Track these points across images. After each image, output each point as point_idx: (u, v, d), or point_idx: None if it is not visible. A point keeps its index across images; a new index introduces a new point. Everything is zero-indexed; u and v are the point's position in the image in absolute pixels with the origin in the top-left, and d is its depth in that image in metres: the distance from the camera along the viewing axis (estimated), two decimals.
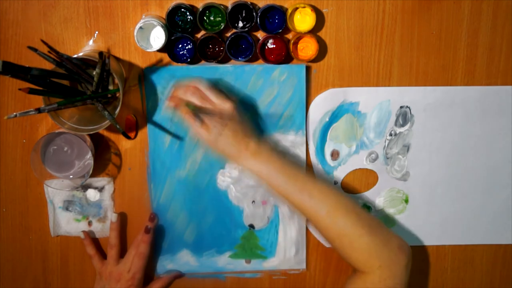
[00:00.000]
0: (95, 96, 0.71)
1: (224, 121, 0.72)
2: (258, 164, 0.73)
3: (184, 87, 0.75)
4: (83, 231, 0.83)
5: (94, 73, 0.70)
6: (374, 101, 0.81)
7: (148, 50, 0.74)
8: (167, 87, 0.79)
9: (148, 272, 0.84)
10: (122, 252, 0.83)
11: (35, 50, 0.65)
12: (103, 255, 0.84)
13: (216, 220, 0.84)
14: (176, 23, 0.75)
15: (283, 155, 0.77)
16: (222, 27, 0.75)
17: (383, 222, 0.74)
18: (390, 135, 0.83)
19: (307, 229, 0.85)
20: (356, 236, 0.71)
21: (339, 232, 0.71)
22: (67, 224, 0.84)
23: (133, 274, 0.81)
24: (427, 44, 0.80)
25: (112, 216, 0.82)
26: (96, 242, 0.84)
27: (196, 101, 0.74)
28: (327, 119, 0.82)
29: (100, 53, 0.69)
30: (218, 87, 0.77)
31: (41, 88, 0.68)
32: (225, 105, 0.73)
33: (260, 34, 0.78)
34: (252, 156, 0.73)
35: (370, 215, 0.75)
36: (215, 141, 0.73)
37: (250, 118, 0.79)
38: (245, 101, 0.80)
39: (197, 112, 0.72)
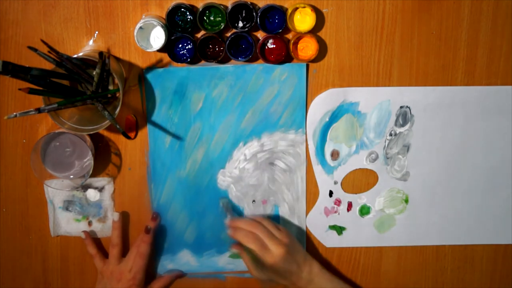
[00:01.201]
0: (95, 96, 0.71)
1: (285, 249, 0.76)
2: (313, 285, 0.79)
3: (245, 222, 0.79)
4: (84, 231, 0.83)
5: (94, 73, 0.70)
6: (374, 101, 0.81)
7: (148, 50, 0.74)
8: (167, 87, 0.79)
9: (150, 272, 0.84)
10: (125, 251, 0.83)
11: (35, 50, 0.65)
12: (104, 254, 0.84)
13: (216, 220, 0.84)
14: (176, 23, 0.75)
15: (332, 281, 0.81)
16: (222, 27, 0.75)
17: None
18: (390, 135, 0.83)
19: (307, 229, 0.85)
20: None
21: None
22: (67, 224, 0.84)
23: (134, 273, 0.81)
24: (427, 44, 0.80)
25: (114, 215, 0.82)
26: (97, 241, 0.84)
27: (255, 248, 0.76)
28: (327, 119, 0.82)
29: (100, 53, 0.69)
30: (271, 221, 0.80)
31: (41, 88, 0.68)
32: (279, 246, 0.76)
33: (260, 34, 0.78)
34: (307, 281, 0.79)
35: None
36: (280, 266, 0.76)
37: (302, 247, 0.82)
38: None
39: (262, 239, 0.76)
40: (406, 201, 0.86)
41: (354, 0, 0.77)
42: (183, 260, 0.86)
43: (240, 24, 0.76)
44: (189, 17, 0.75)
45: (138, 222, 0.84)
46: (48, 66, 0.69)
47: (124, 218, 0.84)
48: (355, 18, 0.78)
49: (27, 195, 0.83)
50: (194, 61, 0.78)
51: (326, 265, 0.87)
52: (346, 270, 0.88)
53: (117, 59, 0.78)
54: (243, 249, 0.79)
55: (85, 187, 0.82)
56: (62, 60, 0.69)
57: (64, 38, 0.77)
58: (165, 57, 0.78)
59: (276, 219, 0.85)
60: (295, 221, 0.85)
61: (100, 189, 0.83)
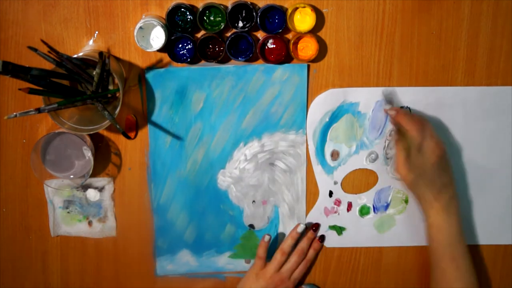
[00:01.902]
0: (95, 96, 0.71)
1: (428, 165, 0.75)
2: (442, 220, 0.77)
3: (412, 117, 0.76)
4: (268, 234, 0.82)
5: (94, 73, 0.70)
6: (374, 101, 0.81)
7: (148, 50, 0.74)
8: (167, 87, 0.79)
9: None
10: None
11: (35, 50, 0.65)
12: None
13: (216, 220, 0.84)
14: (176, 23, 0.75)
15: (460, 216, 0.79)
16: (222, 27, 0.75)
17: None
18: (390, 135, 0.83)
19: (306, 229, 0.85)
20: None
21: None
22: (67, 224, 0.84)
23: (294, 280, 0.82)
24: (427, 44, 0.80)
25: (265, 238, 0.82)
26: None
27: (418, 137, 0.74)
28: (327, 119, 0.82)
29: (100, 53, 0.69)
30: (435, 131, 0.78)
31: (41, 88, 0.68)
32: (437, 147, 0.75)
33: (260, 34, 0.78)
34: (441, 210, 0.77)
35: None
36: (414, 182, 0.75)
37: (452, 168, 0.80)
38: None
39: (411, 144, 0.74)
40: (406, 201, 0.86)
41: (354, 0, 0.77)
42: (183, 260, 0.86)
43: (240, 24, 0.76)
44: (189, 17, 0.75)
45: (138, 222, 0.84)
46: (48, 66, 0.69)
47: (124, 218, 0.84)
48: (355, 18, 0.78)
49: (27, 195, 0.83)
50: (194, 61, 0.78)
51: (326, 265, 0.87)
52: (346, 270, 0.88)
53: (117, 59, 0.78)
54: (400, 137, 0.76)
55: (85, 187, 0.82)
56: (62, 60, 0.69)
57: (64, 38, 0.77)
58: (165, 57, 0.78)
59: (276, 220, 0.85)
60: (295, 221, 0.85)
61: (100, 189, 0.83)
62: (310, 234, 0.84)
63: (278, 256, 0.82)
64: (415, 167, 0.75)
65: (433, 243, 0.78)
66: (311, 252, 0.84)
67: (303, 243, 0.83)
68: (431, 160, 0.75)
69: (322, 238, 0.85)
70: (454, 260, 0.77)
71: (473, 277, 0.78)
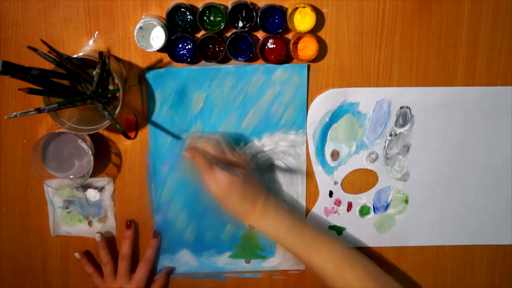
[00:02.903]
0: (95, 96, 0.71)
1: (235, 178, 0.73)
2: (266, 223, 0.75)
3: (204, 141, 0.76)
4: (79, 252, 0.83)
5: (94, 73, 0.70)
6: (374, 101, 0.81)
7: (148, 50, 0.74)
8: (167, 87, 0.79)
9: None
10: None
11: (35, 50, 0.65)
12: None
13: (216, 220, 0.84)
14: (176, 23, 0.75)
15: (289, 211, 0.78)
16: (222, 27, 0.75)
17: (389, 276, 0.75)
18: (390, 135, 0.83)
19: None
20: None
21: (347, 286, 0.71)
22: (67, 224, 0.84)
23: (137, 282, 0.81)
24: (427, 44, 0.80)
25: (96, 236, 0.82)
26: (92, 260, 0.84)
27: (214, 153, 0.74)
28: (327, 119, 0.82)
29: (100, 53, 0.69)
30: (235, 146, 0.79)
31: (41, 88, 0.68)
32: (239, 161, 0.75)
33: (260, 34, 0.78)
34: (260, 215, 0.75)
35: (377, 267, 0.75)
36: (225, 198, 0.74)
37: (260, 176, 0.80)
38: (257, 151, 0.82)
39: (212, 162, 0.73)
40: (406, 201, 0.86)
41: (354, 0, 0.77)
42: (183, 260, 0.86)
43: (240, 24, 0.76)
44: (189, 17, 0.75)
45: (138, 222, 0.84)
46: (48, 66, 0.69)
47: (124, 218, 0.84)
48: (355, 18, 0.78)
49: (27, 195, 0.83)
50: (194, 61, 0.78)
51: None
52: None
53: (117, 59, 0.78)
54: (202, 160, 0.74)
55: (85, 187, 0.82)
56: (62, 60, 0.69)
57: (64, 38, 0.77)
58: (165, 57, 0.78)
59: None
60: None
61: (100, 189, 0.83)
62: (154, 231, 0.83)
63: (103, 269, 0.82)
64: (224, 183, 0.73)
65: (281, 247, 0.76)
66: (147, 250, 0.83)
67: (122, 246, 0.83)
68: (236, 174, 0.73)
69: (155, 234, 0.83)
70: (307, 247, 0.74)
71: (346, 250, 0.75)
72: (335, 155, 0.83)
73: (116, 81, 0.73)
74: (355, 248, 0.79)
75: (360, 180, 0.85)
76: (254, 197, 0.75)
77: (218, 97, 0.80)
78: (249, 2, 0.75)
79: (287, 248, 0.75)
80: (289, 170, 0.83)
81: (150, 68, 0.78)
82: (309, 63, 0.79)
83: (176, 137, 0.81)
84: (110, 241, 0.84)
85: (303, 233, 0.75)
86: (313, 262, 0.74)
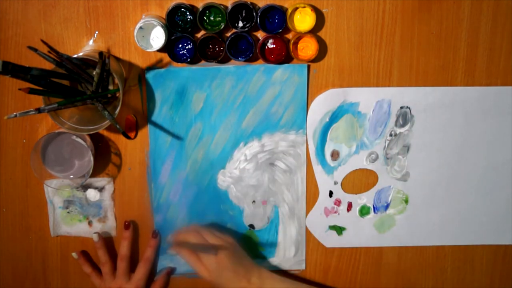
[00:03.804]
0: (95, 96, 0.71)
1: (222, 258, 0.75)
2: None
3: (184, 233, 0.80)
4: (77, 252, 0.83)
5: (94, 73, 0.70)
6: (374, 101, 0.81)
7: (148, 50, 0.74)
8: (167, 87, 0.79)
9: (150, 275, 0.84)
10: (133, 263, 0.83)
11: (35, 50, 0.65)
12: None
13: (216, 220, 0.84)
14: (176, 23, 0.75)
15: (282, 280, 0.79)
16: (222, 27, 0.75)
17: None
18: (390, 135, 0.83)
19: (306, 229, 0.85)
20: None
21: None
22: (67, 224, 0.84)
23: (136, 281, 0.81)
24: (427, 44, 0.80)
25: (93, 237, 0.82)
26: (90, 260, 0.84)
27: (197, 241, 0.77)
28: (327, 120, 0.82)
29: (100, 53, 0.69)
30: (214, 230, 0.81)
31: (41, 88, 0.68)
32: (222, 242, 0.77)
33: (260, 34, 0.78)
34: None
35: None
36: (218, 279, 0.76)
37: (248, 254, 0.81)
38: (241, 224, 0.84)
39: (197, 250, 0.76)
40: (406, 201, 0.86)
41: (354, 0, 0.77)
42: (183, 260, 0.86)
43: (240, 24, 0.76)
44: (189, 17, 0.75)
45: (138, 222, 0.84)
46: (48, 66, 0.69)
47: (124, 218, 0.84)
48: (355, 18, 0.78)
49: (27, 195, 0.83)
50: (194, 61, 0.78)
51: (326, 265, 0.87)
52: (346, 270, 0.88)
53: (117, 59, 0.78)
54: (188, 250, 0.78)
55: (85, 187, 0.82)
56: (62, 60, 0.69)
57: (64, 38, 0.77)
58: (165, 57, 0.78)
59: (276, 220, 0.85)
60: (295, 222, 0.85)
61: (100, 189, 0.83)
62: (153, 231, 0.84)
63: (102, 269, 0.82)
64: (213, 267, 0.75)
65: None
66: (147, 250, 0.83)
67: (121, 247, 0.83)
68: (222, 255, 0.76)
69: (155, 234, 0.83)
70: None
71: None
72: (335, 155, 0.83)
73: (116, 81, 0.73)
74: None
75: (360, 180, 0.85)
76: (246, 273, 0.76)
77: (218, 97, 0.80)
78: (249, 2, 0.75)
79: None
80: (289, 170, 0.83)
81: (150, 68, 0.78)
82: (309, 63, 0.79)
83: (176, 137, 0.81)
84: (110, 241, 0.84)
85: None
86: None
